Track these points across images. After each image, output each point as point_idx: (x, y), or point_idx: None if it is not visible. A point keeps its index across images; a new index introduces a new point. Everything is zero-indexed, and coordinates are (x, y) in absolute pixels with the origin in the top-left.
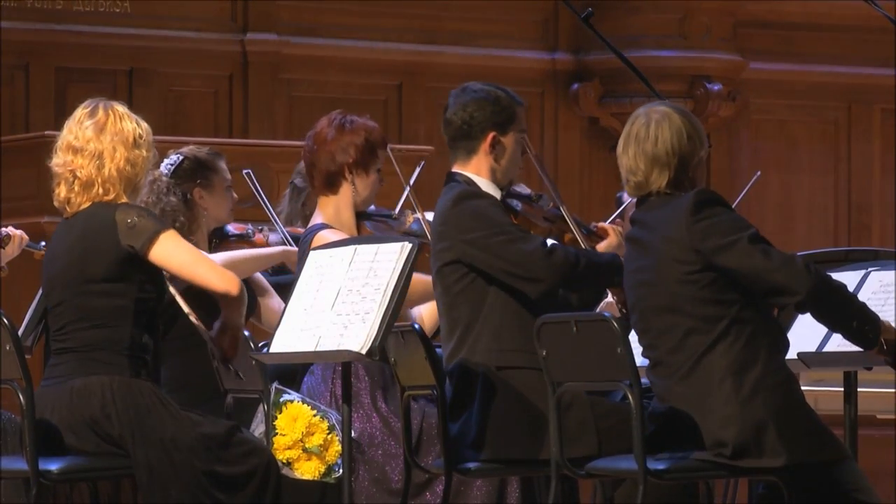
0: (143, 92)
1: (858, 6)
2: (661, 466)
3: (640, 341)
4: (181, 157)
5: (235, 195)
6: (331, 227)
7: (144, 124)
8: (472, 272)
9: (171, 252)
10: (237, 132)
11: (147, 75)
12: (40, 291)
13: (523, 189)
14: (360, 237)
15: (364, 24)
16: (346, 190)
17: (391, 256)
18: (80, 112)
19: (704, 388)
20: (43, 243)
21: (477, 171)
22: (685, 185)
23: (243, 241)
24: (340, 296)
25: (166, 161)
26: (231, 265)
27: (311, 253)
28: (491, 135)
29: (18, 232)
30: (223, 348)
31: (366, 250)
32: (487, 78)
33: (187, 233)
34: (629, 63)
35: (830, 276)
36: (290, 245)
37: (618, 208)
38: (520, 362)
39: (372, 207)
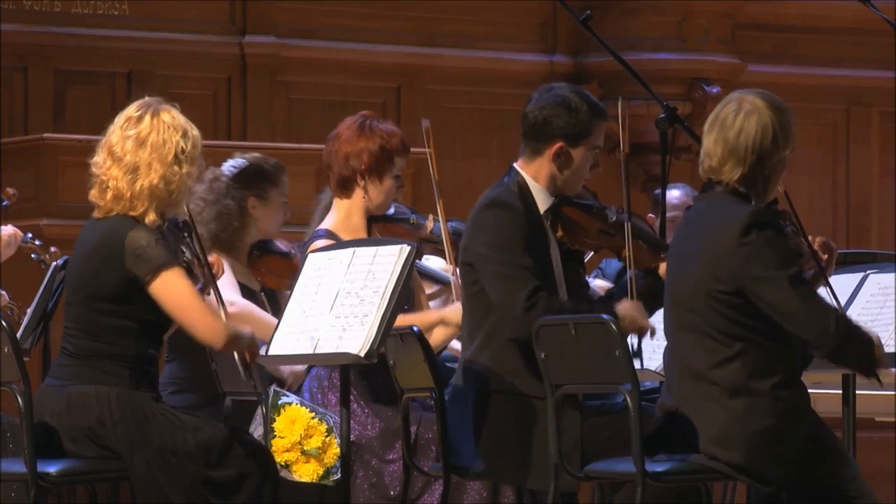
0: (141, 94)
1: (857, 8)
2: (659, 469)
3: (665, 314)
4: (245, 163)
5: (288, 213)
6: (328, 236)
7: (194, 134)
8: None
9: (169, 290)
10: (236, 134)
11: (145, 77)
12: (39, 293)
13: (585, 198)
14: (357, 240)
15: (362, 27)
16: (358, 195)
17: (389, 259)
18: (130, 113)
19: (711, 397)
20: (30, 235)
21: (536, 175)
22: (758, 184)
23: (284, 258)
24: (339, 298)
25: (230, 162)
26: (246, 317)
27: (310, 256)
28: (559, 144)
29: (12, 230)
30: (242, 357)
31: (364, 253)
32: (486, 80)
33: (236, 238)
34: (627, 65)
35: (856, 330)
36: None
37: (654, 206)
38: (517, 388)
39: (392, 210)
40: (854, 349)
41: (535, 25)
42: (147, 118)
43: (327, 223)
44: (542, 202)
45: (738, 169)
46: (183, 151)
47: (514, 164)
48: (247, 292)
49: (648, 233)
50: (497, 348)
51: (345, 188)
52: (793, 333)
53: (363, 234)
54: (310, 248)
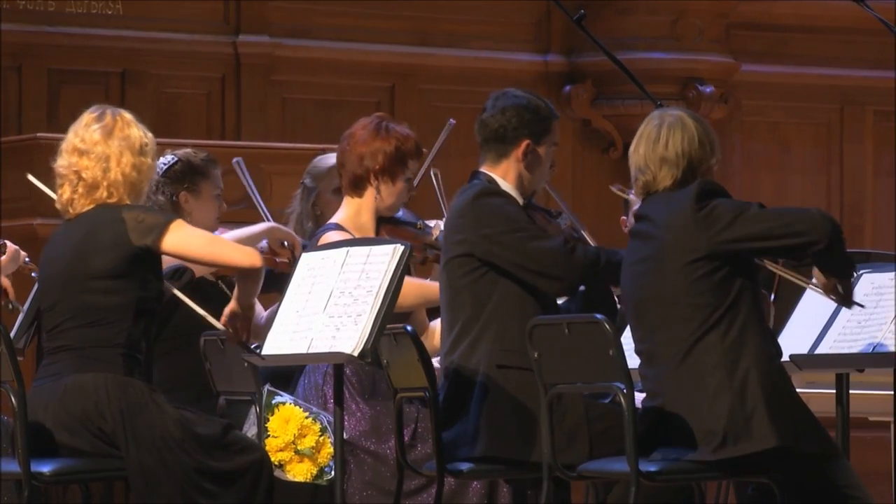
0: (135, 93)
1: (850, 8)
2: (652, 468)
3: (634, 335)
4: (175, 159)
5: (225, 205)
6: (341, 229)
7: (150, 134)
8: (483, 267)
9: (187, 238)
10: (230, 134)
11: (140, 77)
12: (32, 292)
13: (541, 205)
14: (353, 239)
15: (357, 26)
16: (370, 195)
17: (383, 258)
18: (87, 116)
19: (697, 375)
20: (27, 259)
21: (504, 176)
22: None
23: None
24: (333, 298)
25: (160, 160)
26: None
27: (304, 255)
28: (526, 142)
29: (14, 248)
30: (237, 330)
31: (358, 252)
32: (480, 80)
33: None
34: (621, 65)
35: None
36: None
37: (625, 209)
38: (521, 363)
39: (400, 213)
40: (843, 244)
41: (529, 25)
42: (108, 115)
43: (337, 218)
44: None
45: (671, 173)
46: (146, 144)
47: (480, 170)
48: (205, 283)
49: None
50: (499, 329)
51: (357, 187)
52: (788, 246)
53: (371, 233)
54: (321, 240)
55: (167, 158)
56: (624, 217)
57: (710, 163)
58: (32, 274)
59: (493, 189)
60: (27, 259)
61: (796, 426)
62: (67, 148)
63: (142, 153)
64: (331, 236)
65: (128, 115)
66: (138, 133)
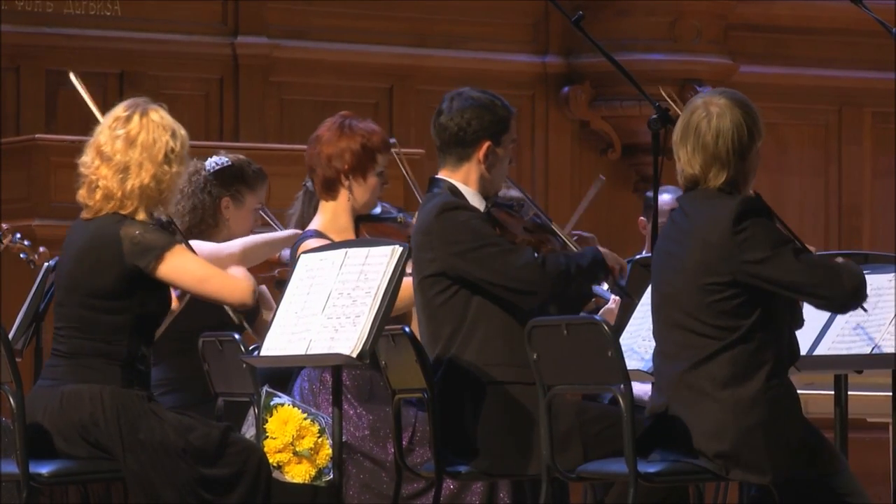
0: (133, 95)
1: (848, 9)
2: (651, 470)
3: (654, 321)
4: (228, 163)
5: (259, 220)
6: (318, 236)
7: (182, 134)
8: (456, 284)
9: (180, 269)
10: (228, 135)
11: (138, 78)
12: (30, 294)
13: (503, 199)
14: (351, 240)
15: (355, 27)
16: (343, 196)
17: (382, 259)
18: (118, 114)
19: (703, 391)
20: (18, 235)
21: (465, 180)
22: (739, 181)
23: None
24: (331, 299)
25: (214, 159)
26: (251, 251)
27: (302, 256)
28: (486, 144)
29: None
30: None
31: (356, 253)
32: (478, 81)
33: (208, 236)
34: (619, 66)
35: (859, 270)
36: None
37: (645, 209)
38: (506, 377)
39: (378, 209)
40: (864, 291)
41: (527, 26)
42: (136, 118)
43: (315, 224)
44: (477, 205)
45: (723, 173)
46: (172, 151)
47: (438, 176)
48: None
49: (555, 230)
50: (481, 344)
51: (330, 189)
52: (807, 302)
53: (351, 235)
54: (301, 248)
55: (221, 160)
56: (643, 218)
57: (758, 147)
58: (22, 255)
59: (455, 203)
60: (17, 236)
61: (797, 457)
62: (93, 145)
63: (166, 161)
64: (310, 244)
65: (157, 117)
66: (164, 138)
